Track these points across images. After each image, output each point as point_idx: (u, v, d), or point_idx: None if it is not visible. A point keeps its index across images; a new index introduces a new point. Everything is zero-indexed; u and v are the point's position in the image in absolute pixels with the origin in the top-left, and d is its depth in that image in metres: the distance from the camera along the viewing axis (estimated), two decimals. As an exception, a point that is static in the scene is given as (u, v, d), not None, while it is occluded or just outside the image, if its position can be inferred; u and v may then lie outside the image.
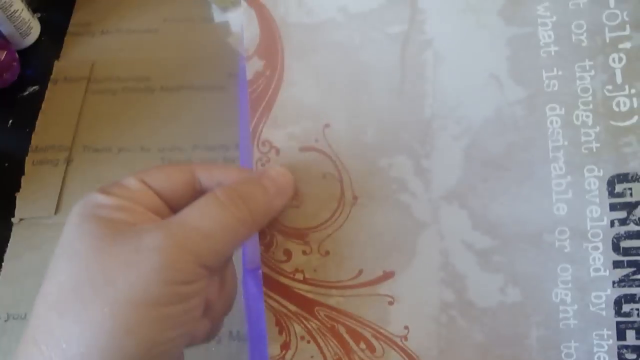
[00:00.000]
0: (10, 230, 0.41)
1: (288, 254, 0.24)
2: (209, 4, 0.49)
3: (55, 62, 0.48)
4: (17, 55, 0.47)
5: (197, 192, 0.22)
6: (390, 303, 0.24)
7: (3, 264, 0.39)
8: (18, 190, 0.42)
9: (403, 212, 0.24)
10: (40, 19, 0.50)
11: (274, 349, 0.24)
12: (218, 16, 0.48)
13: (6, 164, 0.44)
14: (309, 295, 0.24)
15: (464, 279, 0.24)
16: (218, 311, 0.23)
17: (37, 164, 0.43)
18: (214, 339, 0.24)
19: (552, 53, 0.23)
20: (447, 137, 0.24)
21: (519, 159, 0.23)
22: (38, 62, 0.49)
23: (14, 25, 0.47)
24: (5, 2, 0.45)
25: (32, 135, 0.45)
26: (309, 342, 0.24)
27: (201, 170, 0.22)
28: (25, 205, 0.41)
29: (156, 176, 0.21)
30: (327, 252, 0.24)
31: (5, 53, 0.46)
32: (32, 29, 0.49)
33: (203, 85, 0.46)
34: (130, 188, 0.21)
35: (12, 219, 0.41)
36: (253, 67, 0.24)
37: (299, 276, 0.24)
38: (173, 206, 0.22)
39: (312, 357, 0.24)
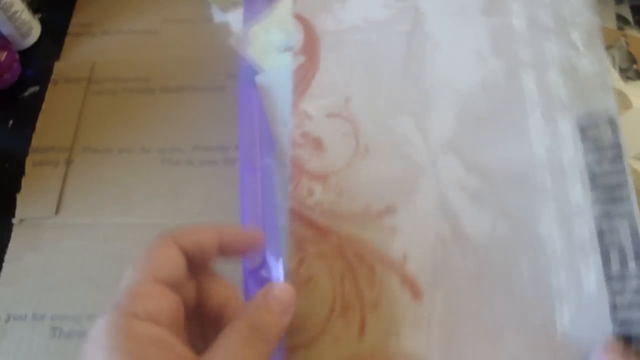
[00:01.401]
0: (10, 230, 0.41)
1: (311, 191, 0.29)
2: (209, 4, 0.49)
3: (56, 63, 0.48)
4: (17, 56, 0.47)
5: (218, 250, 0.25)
6: (392, 233, 0.28)
7: (3, 264, 0.40)
8: (18, 191, 0.42)
9: (406, 159, 0.29)
10: (40, 20, 0.50)
11: (292, 264, 0.28)
12: (218, 16, 0.48)
13: (6, 165, 0.44)
14: (325, 225, 0.28)
15: (458, 215, 0.28)
16: None
17: (38, 164, 0.43)
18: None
19: (525, 34, 0.30)
20: (443, 101, 0.30)
21: (502, 114, 0.29)
22: (38, 62, 0.49)
23: (15, 26, 0.47)
24: (5, 2, 0.45)
25: (33, 136, 0.45)
26: (320, 260, 0.28)
27: (225, 233, 0.25)
28: (25, 206, 0.42)
29: (188, 239, 0.24)
30: (342, 191, 0.29)
31: (5, 54, 0.46)
32: (32, 29, 0.49)
33: (203, 86, 0.46)
34: (157, 304, 0.22)
35: (13, 220, 0.41)
36: (298, 60, 0.33)
37: (318, 209, 0.29)
38: (196, 262, 0.24)
39: (321, 272, 0.28)
